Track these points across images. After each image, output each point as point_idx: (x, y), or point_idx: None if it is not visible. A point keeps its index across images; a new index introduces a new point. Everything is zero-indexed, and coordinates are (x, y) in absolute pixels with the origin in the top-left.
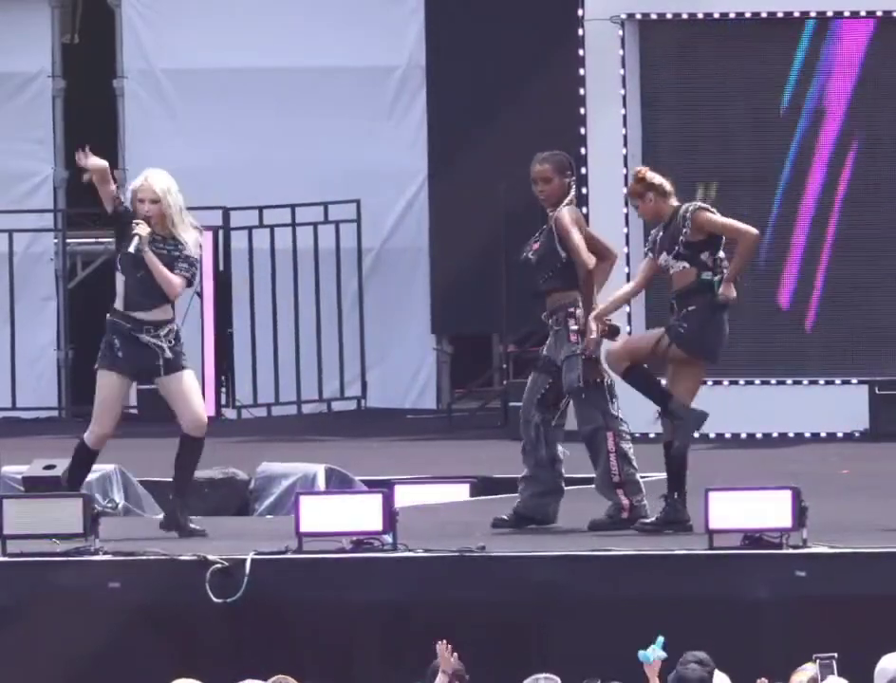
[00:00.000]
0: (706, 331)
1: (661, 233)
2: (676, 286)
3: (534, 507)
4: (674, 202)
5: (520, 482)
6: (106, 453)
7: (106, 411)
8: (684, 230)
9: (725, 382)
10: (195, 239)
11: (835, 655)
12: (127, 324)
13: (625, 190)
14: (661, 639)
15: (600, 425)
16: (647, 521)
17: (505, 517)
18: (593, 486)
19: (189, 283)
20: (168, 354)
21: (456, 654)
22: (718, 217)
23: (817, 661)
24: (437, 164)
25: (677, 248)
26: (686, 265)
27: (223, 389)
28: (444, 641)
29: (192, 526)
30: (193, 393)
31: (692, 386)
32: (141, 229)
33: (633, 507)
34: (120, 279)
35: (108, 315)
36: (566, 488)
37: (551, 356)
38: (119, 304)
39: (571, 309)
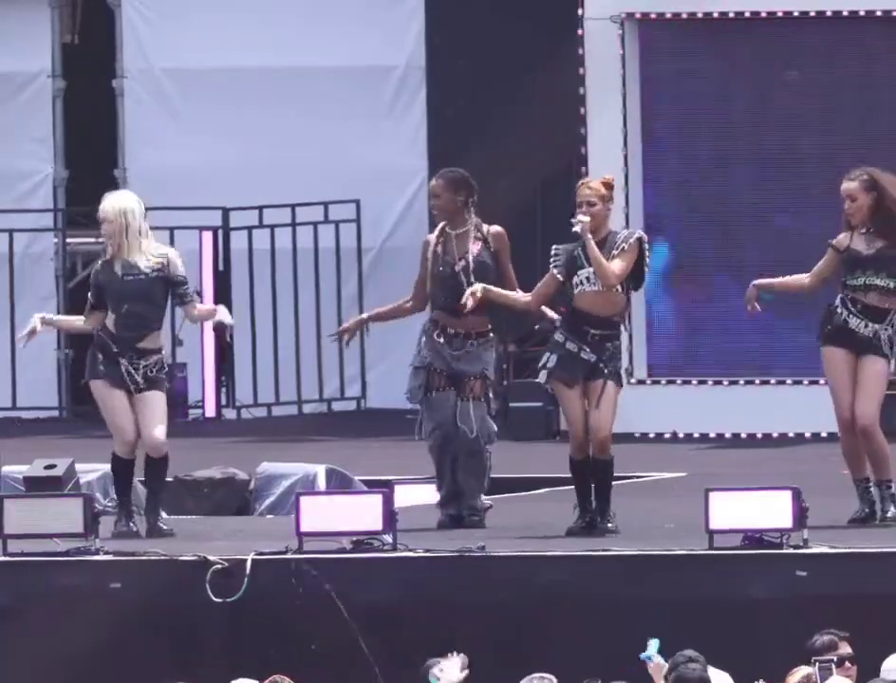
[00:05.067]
0: None
1: (578, 249)
2: (604, 311)
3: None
4: None
5: (444, 505)
6: (107, 453)
7: (121, 418)
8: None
9: (725, 382)
10: (175, 254)
11: (834, 658)
12: (114, 348)
13: (625, 189)
14: (655, 641)
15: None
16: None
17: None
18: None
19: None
20: (141, 383)
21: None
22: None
23: (816, 664)
24: (437, 164)
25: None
26: (620, 288)
27: (223, 389)
28: (463, 656)
29: (163, 526)
30: (156, 416)
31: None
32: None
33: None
34: (111, 314)
35: (98, 330)
36: (564, 488)
37: (461, 370)
38: (110, 324)
39: None
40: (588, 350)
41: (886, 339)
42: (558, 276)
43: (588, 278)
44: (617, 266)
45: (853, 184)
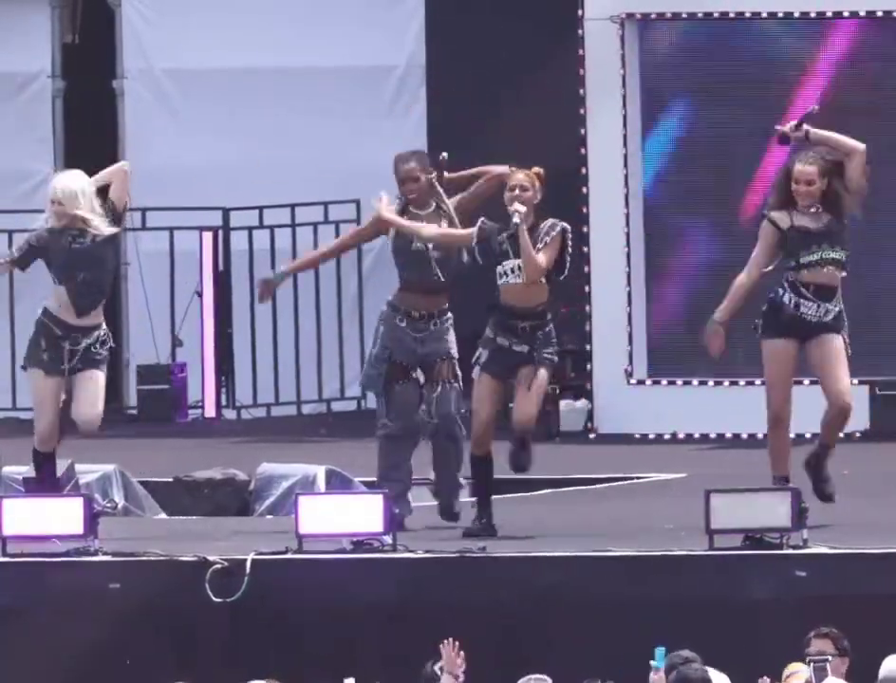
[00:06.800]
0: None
1: (505, 238)
2: (529, 303)
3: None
4: None
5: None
6: (106, 453)
7: (44, 411)
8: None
9: (725, 382)
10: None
11: (829, 658)
12: (57, 331)
13: (625, 190)
14: (662, 649)
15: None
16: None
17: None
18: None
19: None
20: (78, 364)
21: (462, 653)
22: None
23: (811, 664)
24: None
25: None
26: (543, 279)
27: (223, 389)
28: (451, 641)
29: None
30: (90, 393)
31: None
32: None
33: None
34: (58, 288)
35: (40, 314)
36: (564, 488)
37: (425, 353)
38: (52, 307)
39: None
40: (518, 342)
41: (837, 314)
42: (474, 240)
43: (511, 270)
44: (542, 259)
45: (812, 168)
